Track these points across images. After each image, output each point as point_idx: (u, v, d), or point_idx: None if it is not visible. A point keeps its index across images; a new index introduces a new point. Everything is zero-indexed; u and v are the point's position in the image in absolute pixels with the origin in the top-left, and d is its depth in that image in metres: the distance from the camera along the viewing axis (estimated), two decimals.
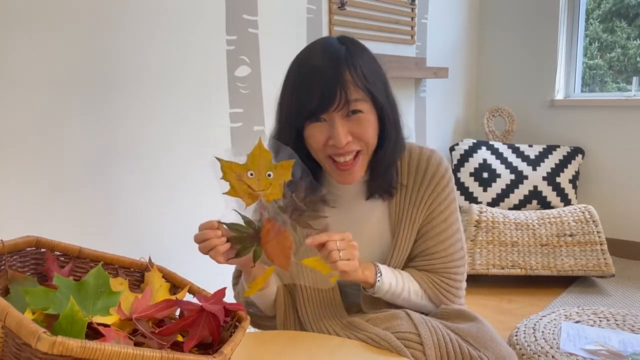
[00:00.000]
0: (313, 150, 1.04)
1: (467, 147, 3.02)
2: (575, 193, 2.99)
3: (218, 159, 0.87)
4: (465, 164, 2.97)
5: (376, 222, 1.12)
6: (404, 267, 1.13)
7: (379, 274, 1.04)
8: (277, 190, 0.87)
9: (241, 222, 0.90)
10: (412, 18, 2.88)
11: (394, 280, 1.06)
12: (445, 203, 1.11)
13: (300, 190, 0.89)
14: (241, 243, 0.90)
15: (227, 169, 0.87)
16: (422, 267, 1.11)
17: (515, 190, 2.93)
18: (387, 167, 1.07)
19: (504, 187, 2.93)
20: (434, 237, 1.10)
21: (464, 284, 1.15)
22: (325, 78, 0.96)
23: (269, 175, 0.87)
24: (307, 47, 1.04)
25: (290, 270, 0.92)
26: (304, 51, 1.03)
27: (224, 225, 0.91)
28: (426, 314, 1.09)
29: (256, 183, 0.86)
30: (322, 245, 0.93)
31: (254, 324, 1.19)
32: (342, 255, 0.92)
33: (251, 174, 0.86)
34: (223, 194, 0.87)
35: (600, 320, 1.92)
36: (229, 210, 0.89)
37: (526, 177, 2.94)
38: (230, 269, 1.25)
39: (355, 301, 1.14)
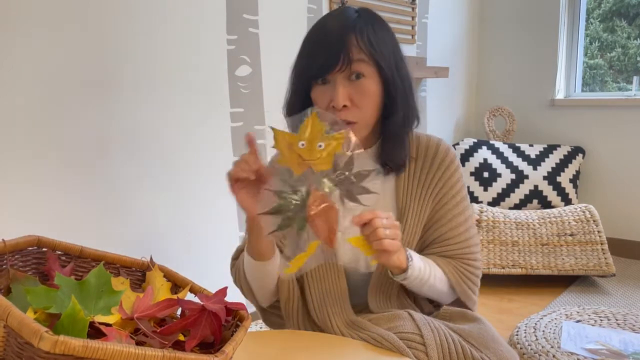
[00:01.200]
0: None
1: (467, 147, 3.02)
2: (576, 192, 2.99)
3: (272, 127, 0.86)
4: (466, 163, 2.97)
5: (383, 200, 1.11)
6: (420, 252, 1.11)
7: (410, 259, 1.02)
8: (327, 161, 0.85)
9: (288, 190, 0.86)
10: (413, 18, 2.88)
11: (422, 265, 1.04)
12: (456, 188, 1.10)
13: (350, 163, 0.86)
14: (285, 213, 0.85)
15: (280, 138, 0.86)
16: (438, 253, 1.10)
17: (516, 190, 2.93)
18: (397, 137, 1.06)
19: (504, 186, 2.93)
20: (447, 223, 1.09)
21: (480, 275, 1.14)
22: (330, 40, 0.98)
23: (320, 146, 0.85)
24: (325, 15, 1.07)
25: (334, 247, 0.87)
26: (320, 19, 1.05)
27: (271, 192, 0.86)
28: (432, 312, 1.09)
29: (307, 153, 0.85)
30: (365, 224, 0.90)
31: (265, 319, 1.19)
32: (388, 233, 0.90)
33: (302, 144, 0.85)
34: (277, 161, 0.85)
35: (601, 320, 1.92)
36: (277, 180, 0.86)
37: (527, 177, 2.94)
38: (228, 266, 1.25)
39: (361, 301, 1.14)
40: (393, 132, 1.05)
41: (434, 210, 1.10)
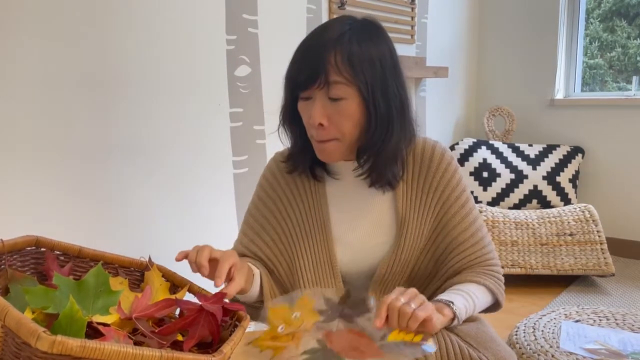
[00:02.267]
0: (304, 124, 1.04)
1: (467, 147, 3.02)
2: (575, 192, 2.99)
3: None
4: (465, 163, 2.97)
5: (380, 209, 1.10)
6: (417, 260, 1.09)
7: (451, 304, 0.97)
8: (312, 316, 0.90)
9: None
10: (412, 18, 2.88)
11: (463, 301, 0.99)
12: (458, 190, 1.08)
13: (333, 303, 0.92)
14: None
15: (263, 344, 0.89)
16: (459, 263, 1.06)
17: (515, 190, 2.93)
18: (376, 155, 1.02)
19: (504, 186, 2.93)
20: (456, 227, 1.07)
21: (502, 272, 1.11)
22: (310, 58, 0.97)
23: (295, 316, 0.90)
24: (324, 23, 1.06)
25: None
26: (317, 27, 1.04)
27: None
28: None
29: (292, 328, 0.89)
30: (387, 318, 0.87)
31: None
32: (413, 305, 0.87)
33: (281, 329, 0.88)
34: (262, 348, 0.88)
35: (600, 320, 1.92)
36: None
37: (526, 177, 2.94)
38: None
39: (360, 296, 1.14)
40: (372, 149, 1.02)
41: (439, 216, 1.08)
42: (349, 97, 0.97)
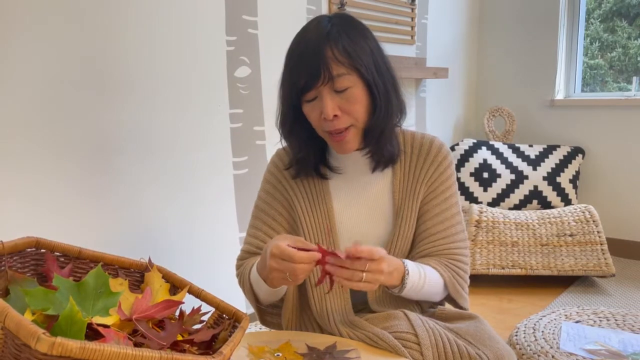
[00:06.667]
0: (313, 126, 1.08)
1: (467, 147, 3.02)
2: (576, 193, 2.99)
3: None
4: (466, 164, 2.97)
5: (380, 195, 1.13)
6: (411, 250, 1.13)
7: (406, 272, 1.02)
8: (295, 357, 0.93)
9: None
10: (412, 18, 2.88)
11: (416, 277, 1.04)
12: (447, 183, 1.12)
13: (316, 349, 0.96)
14: None
15: None
16: (426, 251, 1.11)
17: (516, 190, 2.93)
18: (380, 133, 1.08)
19: (504, 187, 2.93)
20: (434, 217, 1.11)
21: (468, 272, 1.15)
22: (308, 57, 1.01)
23: (278, 355, 0.94)
24: (302, 28, 1.08)
25: None
26: (298, 33, 1.08)
27: None
28: (434, 310, 1.09)
29: None
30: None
31: (261, 320, 1.19)
32: (365, 277, 0.91)
33: None
34: None
35: (600, 320, 1.92)
36: None
37: (526, 177, 2.94)
38: (229, 266, 1.25)
39: (362, 299, 1.14)
40: (375, 130, 1.07)
41: (422, 203, 1.12)
42: (353, 84, 1.02)
